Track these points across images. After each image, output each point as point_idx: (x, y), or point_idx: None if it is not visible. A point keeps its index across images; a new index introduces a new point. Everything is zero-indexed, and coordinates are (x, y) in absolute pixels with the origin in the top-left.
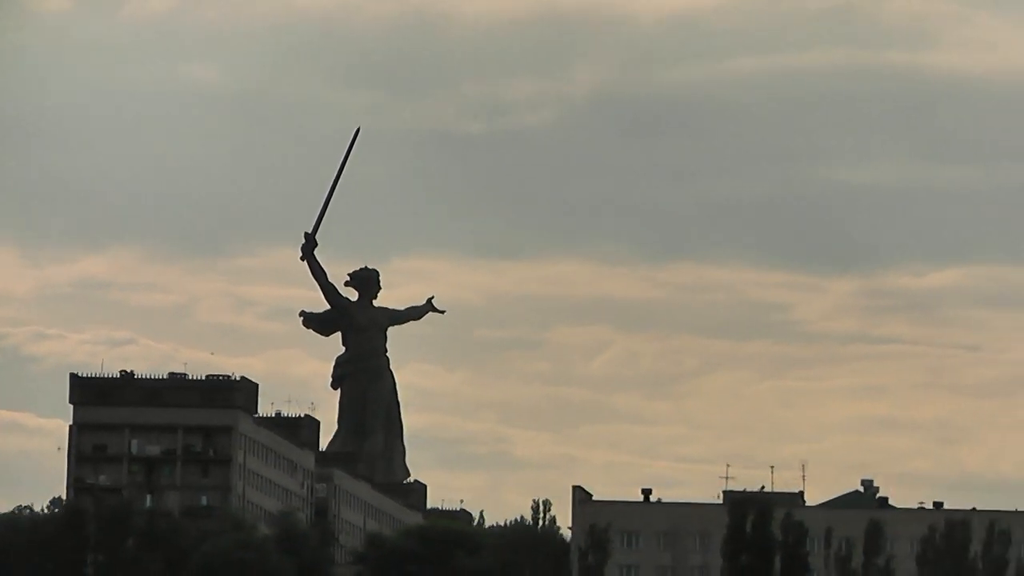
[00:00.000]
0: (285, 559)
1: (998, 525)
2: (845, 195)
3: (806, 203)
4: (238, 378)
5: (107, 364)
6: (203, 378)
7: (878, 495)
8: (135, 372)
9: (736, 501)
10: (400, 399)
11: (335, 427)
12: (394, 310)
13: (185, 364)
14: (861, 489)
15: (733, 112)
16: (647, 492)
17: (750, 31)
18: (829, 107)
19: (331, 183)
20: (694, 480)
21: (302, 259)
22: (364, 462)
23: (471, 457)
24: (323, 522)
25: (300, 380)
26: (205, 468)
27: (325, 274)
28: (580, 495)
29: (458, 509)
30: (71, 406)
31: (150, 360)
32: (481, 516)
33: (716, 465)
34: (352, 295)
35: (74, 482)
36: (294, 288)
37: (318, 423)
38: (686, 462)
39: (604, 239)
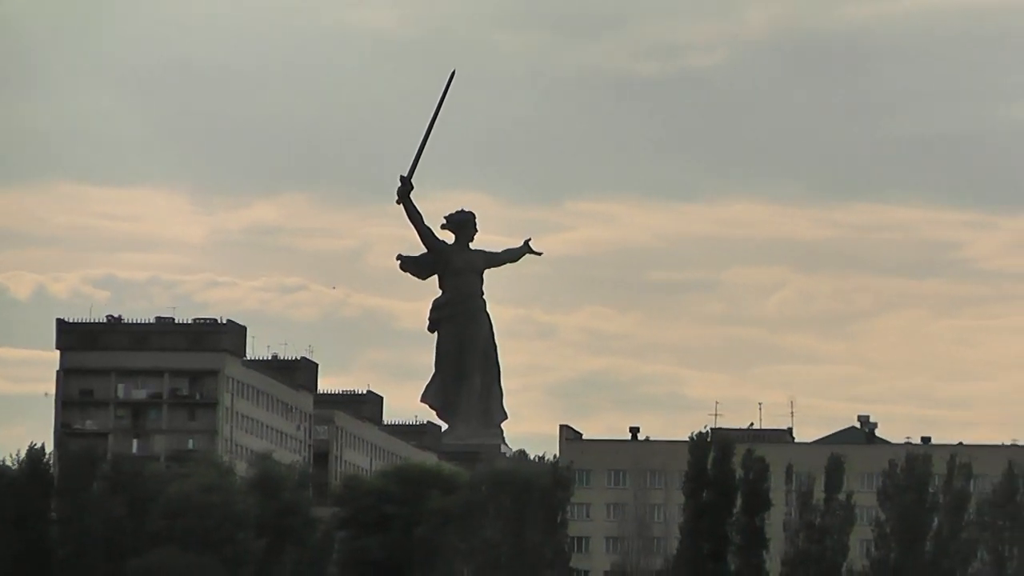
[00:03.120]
0: (258, 501)
1: (959, 458)
2: (1017, 131)
3: (979, 140)
4: (224, 321)
5: (279, 311)
6: (190, 322)
7: (875, 431)
8: (123, 317)
9: (698, 439)
10: (497, 342)
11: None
12: (490, 252)
13: (174, 308)
14: (857, 425)
15: (905, 49)
16: (635, 431)
17: None
18: (1002, 43)
19: (427, 127)
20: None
21: (397, 203)
22: (463, 405)
23: (645, 399)
24: (302, 465)
25: None
26: (192, 412)
27: (421, 217)
28: (567, 434)
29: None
30: (57, 351)
31: (319, 306)
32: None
33: (891, 405)
34: (449, 238)
35: (61, 427)
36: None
37: (316, 365)
38: (862, 402)
39: (779, 179)
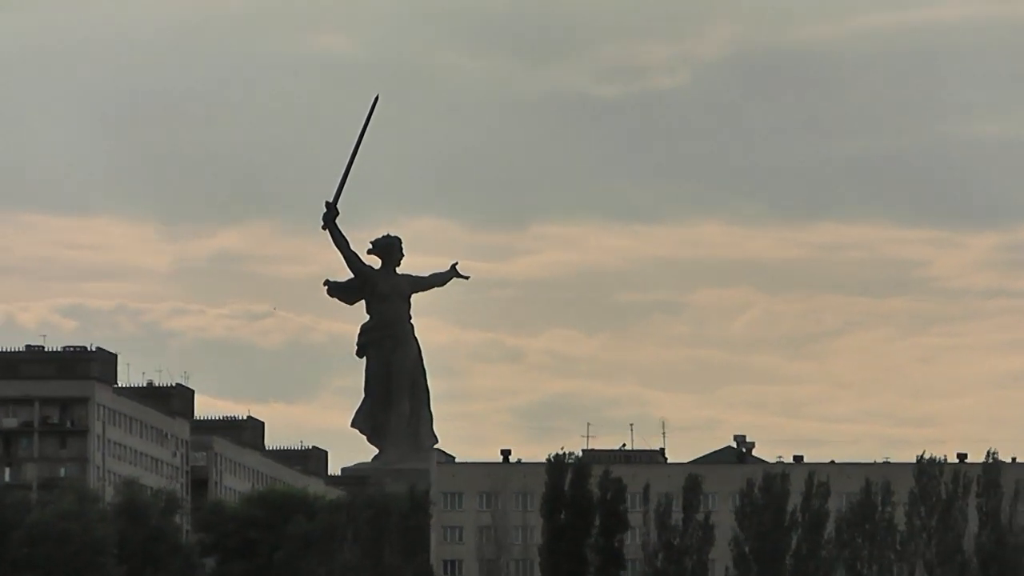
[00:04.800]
0: (121, 528)
1: (817, 477)
2: (983, 149)
3: (944, 158)
4: (94, 349)
5: (248, 338)
6: (60, 349)
7: (752, 451)
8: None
9: (555, 460)
10: (425, 365)
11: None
12: (417, 277)
13: (43, 336)
14: (734, 445)
15: (869, 67)
16: (506, 453)
17: None
18: (965, 60)
19: (351, 152)
20: (836, 439)
21: (323, 228)
22: (392, 429)
23: (611, 421)
24: (170, 490)
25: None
26: (63, 439)
27: (348, 243)
28: (439, 457)
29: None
30: None
31: (285, 332)
32: None
33: (859, 424)
34: (375, 263)
35: None
36: (431, 257)
37: (192, 392)
38: (829, 421)
39: (743, 200)
